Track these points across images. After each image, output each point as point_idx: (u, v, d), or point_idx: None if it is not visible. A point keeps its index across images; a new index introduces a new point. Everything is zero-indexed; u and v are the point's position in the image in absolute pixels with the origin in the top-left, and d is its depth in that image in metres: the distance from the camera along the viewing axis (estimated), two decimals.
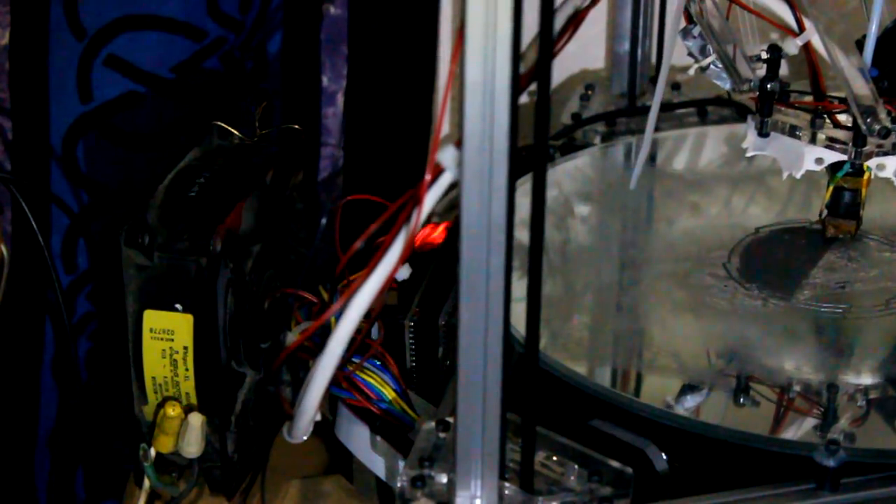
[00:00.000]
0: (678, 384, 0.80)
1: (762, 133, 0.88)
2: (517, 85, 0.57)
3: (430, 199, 0.61)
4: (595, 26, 1.22)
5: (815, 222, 0.93)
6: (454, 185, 0.60)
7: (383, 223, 0.65)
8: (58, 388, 1.09)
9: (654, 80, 1.12)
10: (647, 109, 1.11)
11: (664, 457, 0.72)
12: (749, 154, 0.89)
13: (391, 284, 0.74)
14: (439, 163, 0.59)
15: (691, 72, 0.87)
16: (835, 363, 0.83)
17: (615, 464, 0.66)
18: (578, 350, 0.83)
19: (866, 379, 0.81)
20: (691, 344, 0.84)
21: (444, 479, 0.65)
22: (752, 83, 0.87)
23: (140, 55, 1.02)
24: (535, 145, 0.58)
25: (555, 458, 0.67)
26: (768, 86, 0.87)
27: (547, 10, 0.56)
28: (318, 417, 0.71)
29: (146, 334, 0.77)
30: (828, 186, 0.89)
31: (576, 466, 0.66)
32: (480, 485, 0.63)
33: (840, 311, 0.86)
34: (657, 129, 1.10)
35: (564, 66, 1.23)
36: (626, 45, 1.14)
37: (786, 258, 0.91)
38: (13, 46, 1.00)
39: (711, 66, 0.87)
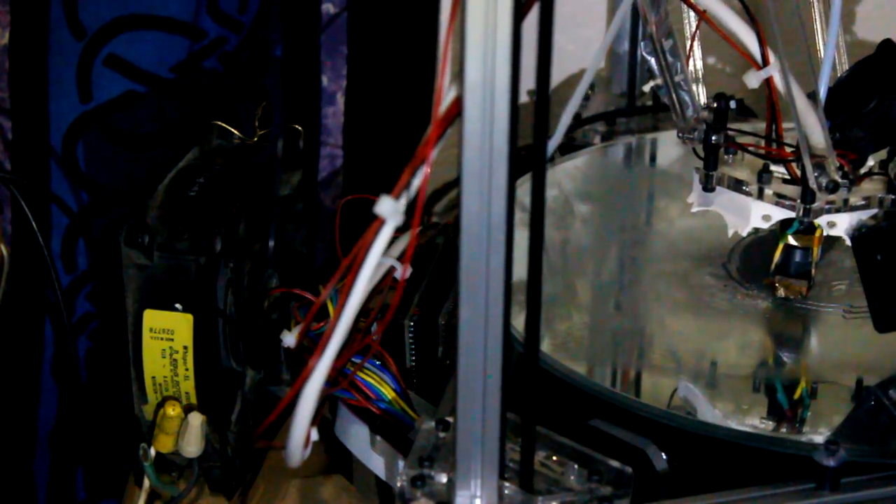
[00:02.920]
0: (678, 384, 0.80)
1: (707, 188, 0.85)
2: (517, 85, 0.57)
3: (375, 252, 0.61)
4: (595, 26, 1.22)
5: (765, 281, 0.88)
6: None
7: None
8: (58, 388, 1.09)
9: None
10: (647, 109, 1.12)
11: (664, 457, 0.72)
12: (694, 210, 0.86)
13: (392, 285, 0.74)
14: (379, 214, 0.59)
15: (646, 88, 0.85)
16: (834, 362, 0.83)
17: (615, 463, 0.66)
18: (578, 350, 0.83)
19: (865, 378, 0.81)
20: (691, 344, 0.84)
21: (443, 478, 0.65)
22: (696, 134, 0.84)
23: (140, 55, 1.02)
24: (534, 145, 0.58)
25: (555, 458, 0.67)
26: (713, 138, 0.83)
27: (547, 10, 0.56)
28: (315, 437, 0.70)
29: (146, 334, 0.77)
30: (777, 244, 0.86)
31: (575, 466, 0.66)
32: (480, 484, 0.63)
33: (840, 310, 0.86)
34: (657, 128, 1.10)
35: (564, 66, 1.23)
36: (626, 45, 1.14)
37: None
38: (13, 46, 1.00)
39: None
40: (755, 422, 0.77)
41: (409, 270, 0.83)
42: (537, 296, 0.60)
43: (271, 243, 0.88)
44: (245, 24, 1.07)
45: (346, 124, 1.15)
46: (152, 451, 0.78)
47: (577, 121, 1.10)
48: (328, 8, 1.12)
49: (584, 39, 1.22)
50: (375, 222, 0.60)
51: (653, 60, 0.83)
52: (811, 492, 0.69)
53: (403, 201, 0.59)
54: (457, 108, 0.58)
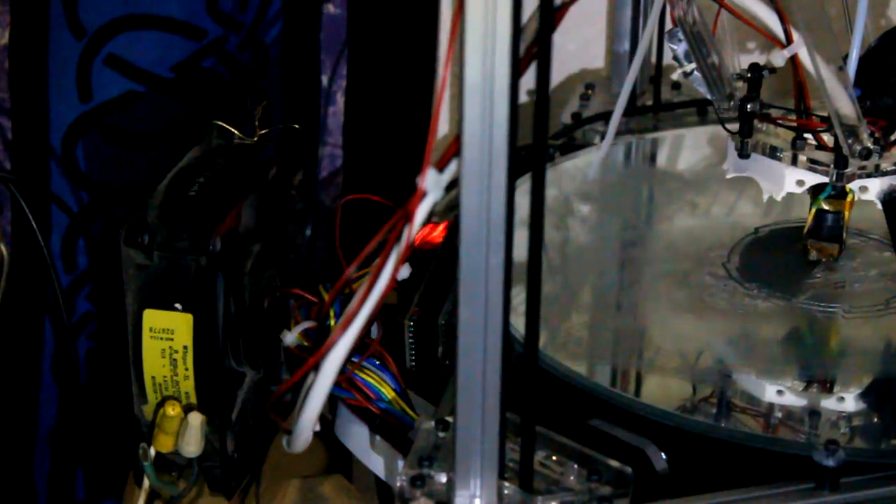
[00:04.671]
0: (678, 384, 0.80)
1: (742, 154, 0.86)
2: (517, 85, 0.57)
3: (416, 222, 0.61)
4: (595, 26, 1.22)
5: (797, 245, 0.90)
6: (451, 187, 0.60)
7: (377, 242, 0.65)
8: (58, 388, 1.09)
9: (654, 80, 1.12)
10: (647, 109, 1.12)
11: (664, 457, 0.72)
12: (729, 176, 0.88)
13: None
14: (420, 186, 0.59)
15: (674, 76, 0.86)
16: (834, 363, 0.83)
17: (615, 463, 0.66)
18: (578, 350, 0.83)
19: (865, 379, 0.82)
20: (691, 344, 0.84)
21: (443, 478, 0.65)
22: (732, 103, 0.86)
23: (140, 55, 1.02)
24: (534, 145, 0.58)
25: (554, 458, 0.67)
26: (748, 106, 0.85)
27: (547, 10, 0.56)
28: (317, 428, 0.71)
29: (146, 334, 0.77)
30: (810, 209, 0.88)
31: (575, 466, 0.66)
32: (480, 484, 0.63)
33: (840, 310, 0.86)
34: (657, 128, 1.10)
35: (564, 66, 1.23)
36: (626, 45, 1.14)
37: (786, 258, 0.91)
38: (13, 46, 1.00)
39: (695, 72, 0.85)
40: (755, 421, 0.77)
41: (408, 270, 0.83)
42: (537, 296, 0.60)
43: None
44: (245, 24, 1.07)
45: (346, 124, 1.15)
46: (152, 451, 0.78)
47: (577, 121, 1.10)
48: (328, 8, 1.12)
49: (584, 39, 1.22)
50: (417, 193, 0.60)
51: (679, 48, 0.85)
52: (811, 492, 0.69)
53: (447, 176, 0.59)
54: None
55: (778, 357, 0.83)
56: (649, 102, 1.13)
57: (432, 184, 0.59)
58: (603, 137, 1.08)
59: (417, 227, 0.61)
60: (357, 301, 0.63)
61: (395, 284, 0.65)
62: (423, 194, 0.60)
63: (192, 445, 0.78)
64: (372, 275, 0.62)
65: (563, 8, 0.59)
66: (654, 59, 1.14)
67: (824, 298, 0.86)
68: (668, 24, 0.86)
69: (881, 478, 0.70)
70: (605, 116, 1.10)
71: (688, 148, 1.07)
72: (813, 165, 0.84)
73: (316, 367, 0.65)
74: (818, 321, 0.85)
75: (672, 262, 0.91)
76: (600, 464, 0.66)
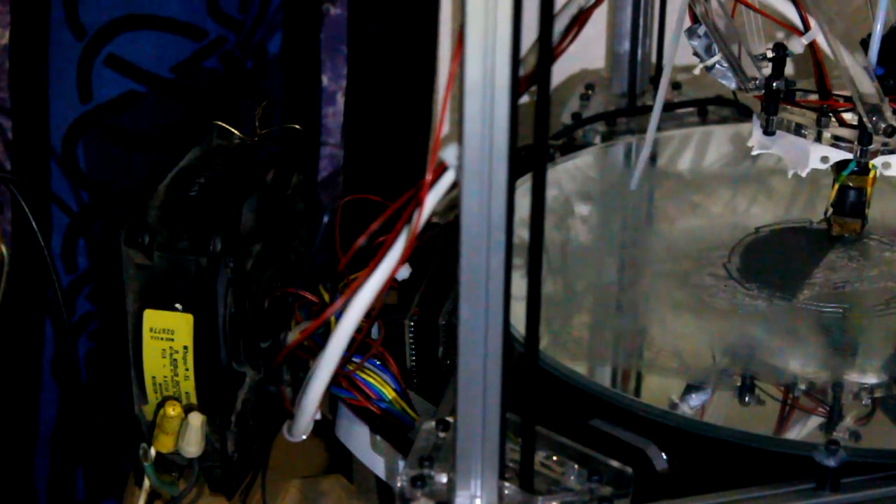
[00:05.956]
0: (678, 384, 0.80)
1: (768, 131, 0.88)
2: (517, 85, 0.57)
3: (432, 198, 0.61)
4: (595, 26, 1.22)
5: (819, 221, 0.93)
6: (455, 185, 0.60)
7: (384, 222, 0.65)
8: (58, 388, 1.09)
9: (654, 80, 1.12)
10: (647, 109, 1.11)
11: (664, 457, 0.72)
12: (755, 153, 0.89)
13: (391, 284, 0.74)
14: (442, 160, 0.59)
15: (696, 71, 0.88)
16: (835, 364, 0.83)
17: (615, 464, 0.66)
18: (578, 350, 0.83)
19: (866, 379, 0.81)
20: (691, 344, 0.84)
21: (443, 478, 0.65)
22: (757, 82, 0.87)
23: (140, 55, 1.02)
24: (535, 145, 0.58)
25: (555, 458, 0.67)
26: (774, 84, 0.87)
27: (547, 10, 0.56)
28: (318, 416, 0.71)
29: (146, 334, 0.77)
30: (833, 185, 0.89)
31: (576, 466, 0.66)
32: (480, 484, 0.63)
33: (840, 311, 0.86)
34: (658, 128, 1.10)
35: (564, 66, 1.23)
36: (626, 45, 1.14)
37: (786, 258, 0.91)
38: (13, 46, 1.00)
39: (717, 65, 0.87)
40: (756, 421, 0.77)
41: (408, 270, 0.83)
42: (537, 296, 0.60)
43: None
44: (245, 23, 1.07)
45: (346, 124, 1.15)
46: (152, 451, 0.78)
47: (577, 121, 1.10)
48: (328, 8, 1.12)
49: (584, 39, 1.22)
50: (437, 168, 0.60)
51: (699, 44, 0.86)
52: (811, 492, 0.69)
53: None
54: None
55: (778, 357, 0.83)
56: (650, 102, 1.13)
57: (453, 156, 0.59)
58: (603, 138, 1.08)
59: (437, 198, 0.61)
60: (366, 273, 0.63)
61: (409, 253, 0.65)
62: (444, 168, 0.60)
63: (193, 445, 0.78)
64: (383, 247, 0.62)
65: (583, 15, 0.59)
66: (653, 59, 1.15)
67: (825, 298, 0.86)
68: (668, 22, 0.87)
69: (881, 478, 0.70)
70: (605, 116, 1.10)
71: (688, 148, 1.07)
72: (837, 142, 0.86)
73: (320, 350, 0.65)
74: (819, 322, 0.85)
75: (672, 263, 0.91)
76: (600, 464, 0.66)
